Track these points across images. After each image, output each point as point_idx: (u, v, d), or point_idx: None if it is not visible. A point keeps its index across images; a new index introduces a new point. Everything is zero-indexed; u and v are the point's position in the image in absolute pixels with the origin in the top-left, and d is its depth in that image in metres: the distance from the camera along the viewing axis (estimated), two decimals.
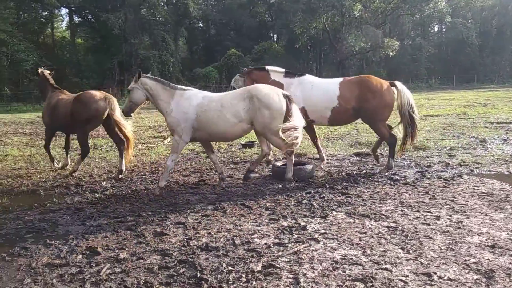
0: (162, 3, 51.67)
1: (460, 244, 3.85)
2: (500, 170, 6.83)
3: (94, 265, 3.67)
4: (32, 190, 6.65)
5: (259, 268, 3.47)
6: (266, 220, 4.74)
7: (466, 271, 3.33)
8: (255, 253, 3.81)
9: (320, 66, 59.96)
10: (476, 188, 5.80)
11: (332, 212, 4.92)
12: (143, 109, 8.19)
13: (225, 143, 10.80)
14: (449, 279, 3.20)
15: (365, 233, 4.23)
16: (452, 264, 3.46)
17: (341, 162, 7.92)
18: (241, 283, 3.24)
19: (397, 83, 6.85)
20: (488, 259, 3.51)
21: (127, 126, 7.37)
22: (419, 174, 6.73)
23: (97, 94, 7.37)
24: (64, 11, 53.01)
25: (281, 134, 5.89)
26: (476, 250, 3.72)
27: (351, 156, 8.42)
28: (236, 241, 4.09)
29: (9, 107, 35.01)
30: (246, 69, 7.73)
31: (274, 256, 3.72)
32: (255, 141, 10.49)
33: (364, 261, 3.56)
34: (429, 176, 6.53)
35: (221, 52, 54.15)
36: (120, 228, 4.65)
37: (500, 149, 8.55)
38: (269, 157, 7.51)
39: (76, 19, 52.72)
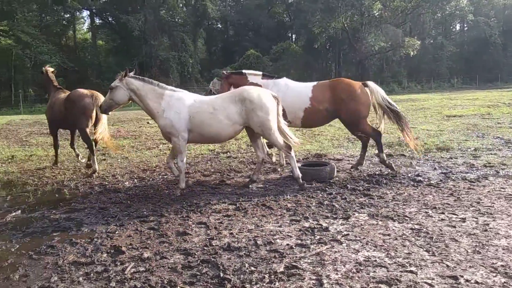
0: (181, 5, 52.12)
1: (487, 247, 3.77)
2: None
3: (118, 263, 3.73)
4: (57, 190, 6.80)
5: (281, 269, 3.46)
6: (288, 221, 4.73)
7: (494, 274, 3.26)
8: (277, 254, 3.80)
9: (339, 66, 59.50)
10: (503, 190, 5.67)
11: (354, 214, 4.88)
12: None
13: (245, 143, 10.83)
14: (476, 282, 3.14)
15: (388, 235, 4.18)
16: (479, 267, 3.39)
17: None
18: (264, 284, 3.24)
19: (369, 82, 7.09)
20: None
21: (103, 126, 7.89)
22: (443, 175, 6.61)
23: (85, 92, 7.93)
24: (86, 13, 54.00)
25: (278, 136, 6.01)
26: (503, 253, 3.64)
27: (372, 157, 8.33)
28: (258, 242, 4.10)
29: (33, 108, 35.81)
30: (225, 72, 7.87)
31: (296, 257, 3.71)
32: None
33: (389, 264, 3.52)
34: (453, 178, 6.41)
35: (240, 53, 54.29)
36: (143, 227, 4.71)
37: None
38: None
39: (97, 21, 53.60)
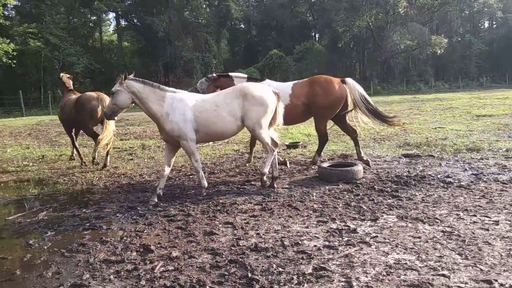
0: (204, 6, 52.48)
1: None
2: None
3: (148, 262, 3.78)
4: (87, 189, 6.95)
5: (310, 271, 3.44)
6: (314, 222, 4.70)
7: None
8: (305, 255, 3.78)
9: (364, 65, 58.87)
10: None
11: (382, 215, 4.81)
12: None
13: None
14: (511, 286, 3.05)
15: (419, 237, 4.09)
16: None
17: (389, 163, 7.72)
18: (293, 285, 3.22)
19: (348, 79, 7.27)
20: None
21: (111, 127, 8.35)
22: (474, 176, 6.44)
23: (92, 95, 8.62)
24: (112, 15, 55.13)
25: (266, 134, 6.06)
26: None
27: (400, 157, 8.19)
28: (285, 243, 4.08)
29: None
30: (214, 75, 8.14)
31: (324, 258, 3.68)
32: (299, 142, 10.46)
33: (420, 267, 3.45)
34: (485, 179, 6.23)
35: (263, 53, 54.32)
36: (171, 226, 4.76)
37: None
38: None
39: (123, 23, 54.66)
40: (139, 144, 11.78)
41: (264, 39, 60.22)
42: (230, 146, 10.54)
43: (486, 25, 67.54)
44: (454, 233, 4.14)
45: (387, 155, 8.46)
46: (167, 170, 6.08)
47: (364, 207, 5.14)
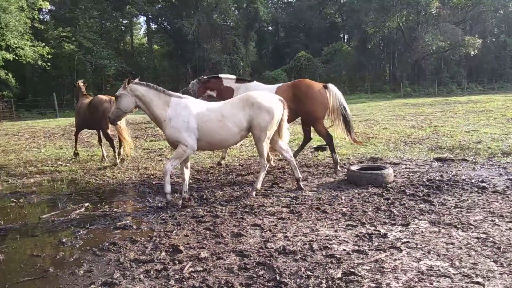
0: (233, 8, 52.79)
1: None
2: None
3: (177, 262, 3.82)
4: (117, 189, 7.09)
5: (339, 275, 3.39)
6: (343, 226, 4.63)
7: None
8: (334, 259, 3.73)
9: (394, 67, 57.80)
10: None
11: (414, 220, 4.69)
12: None
13: (296, 146, 10.76)
14: None
15: (452, 243, 3.97)
16: None
17: (421, 167, 7.52)
18: None
19: (330, 85, 7.46)
20: None
21: (123, 125, 9.17)
22: (510, 181, 6.20)
23: (104, 98, 9.38)
24: (142, 19, 56.21)
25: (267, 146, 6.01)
26: None
27: (431, 161, 7.98)
28: (313, 246, 4.04)
29: None
30: (205, 77, 8.33)
31: (354, 263, 3.62)
32: (327, 145, 10.33)
33: (453, 274, 3.35)
34: None
35: (290, 55, 54.14)
36: (199, 227, 4.80)
37: None
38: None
39: (153, 27, 55.65)
40: (168, 146, 11.93)
41: (292, 41, 60.00)
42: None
43: None
44: (489, 240, 4.00)
45: (418, 159, 8.26)
46: (186, 172, 6.05)
47: (394, 211, 5.03)
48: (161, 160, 9.62)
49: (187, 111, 5.62)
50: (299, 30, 62.64)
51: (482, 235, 4.14)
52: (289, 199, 5.86)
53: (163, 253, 4.06)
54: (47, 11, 43.08)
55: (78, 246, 4.44)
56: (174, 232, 4.69)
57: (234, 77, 8.22)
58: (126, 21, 51.76)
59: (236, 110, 5.74)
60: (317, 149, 9.97)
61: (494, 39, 58.06)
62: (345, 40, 64.67)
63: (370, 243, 4.07)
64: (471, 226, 4.40)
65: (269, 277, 3.43)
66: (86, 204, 6.12)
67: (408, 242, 4.05)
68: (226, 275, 3.52)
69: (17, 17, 28.56)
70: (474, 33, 53.03)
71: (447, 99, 30.98)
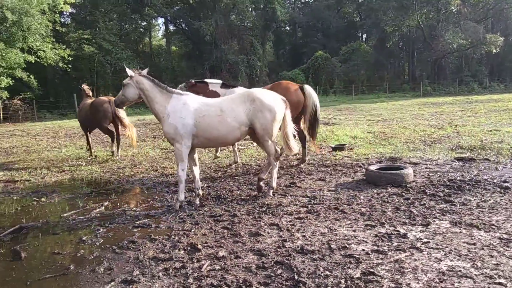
0: (250, 9, 52.88)
1: None
2: None
3: (195, 261, 3.83)
4: (136, 188, 7.17)
5: (358, 275, 3.35)
6: (362, 226, 4.58)
7: None
8: (353, 259, 3.69)
9: (413, 66, 56.97)
10: None
11: (434, 221, 4.61)
12: None
13: (313, 146, 10.70)
14: None
15: (474, 244, 3.89)
16: None
17: (441, 167, 7.39)
18: None
19: (306, 86, 7.72)
20: None
21: (125, 118, 10.28)
22: None
23: (104, 99, 10.34)
24: (161, 20, 56.84)
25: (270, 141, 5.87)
26: None
27: (452, 161, 7.83)
28: (332, 246, 4.01)
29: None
30: (192, 81, 8.63)
31: (373, 263, 3.58)
32: (345, 144, 10.27)
33: (475, 275, 3.28)
34: None
35: (308, 55, 53.97)
36: (217, 226, 4.81)
37: None
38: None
39: (171, 28, 56.16)
40: None
41: (309, 41, 59.75)
42: None
43: None
44: None
45: (438, 158, 8.12)
46: (196, 170, 6.03)
47: (414, 211, 4.95)
48: None
49: (185, 107, 5.60)
50: (317, 30, 62.38)
51: (505, 236, 4.04)
52: (307, 198, 5.83)
53: (182, 252, 4.08)
54: (68, 14, 43.87)
55: (98, 244, 4.50)
56: (192, 230, 4.71)
57: (219, 82, 8.54)
58: (144, 23, 52.37)
59: (235, 105, 5.66)
60: (335, 148, 9.89)
61: None
62: (363, 39, 64.09)
63: (389, 243, 4.02)
64: (494, 227, 4.30)
65: (287, 276, 3.42)
66: (106, 203, 6.21)
67: (428, 242, 3.98)
68: (244, 274, 3.51)
69: (39, 20, 29.19)
70: (496, 31, 51.83)
71: (468, 98, 30.40)
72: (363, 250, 3.89)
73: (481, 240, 3.99)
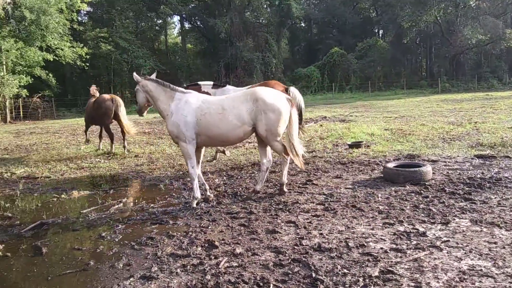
0: (265, 6, 52.73)
1: None
2: None
3: (213, 257, 3.85)
4: (154, 185, 7.24)
5: (376, 273, 3.33)
6: (380, 224, 4.54)
7: None
8: (371, 257, 3.66)
9: (431, 62, 56.11)
10: None
11: (454, 219, 4.54)
12: None
13: (330, 143, 10.65)
14: None
15: (495, 243, 3.82)
16: None
17: (461, 165, 7.27)
18: (359, 287, 3.13)
19: (292, 88, 7.68)
20: None
21: (125, 121, 10.90)
22: None
23: (107, 96, 10.89)
24: (176, 18, 57.01)
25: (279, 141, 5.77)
26: None
27: (472, 158, 7.70)
28: (349, 244, 3.98)
29: (130, 109, 38.27)
30: (185, 85, 8.88)
31: (392, 261, 3.55)
32: (362, 142, 10.19)
33: (496, 274, 3.22)
34: None
35: (323, 51, 53.56)
36: (234, 223, 4.83)
37: None
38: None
39: (187, 26, 56.36)
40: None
41: (324, 37, 59.33)
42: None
43: None
44: None
45: (458, 156, 8.00)
46: (198, 166, 6.04)
47: (434, 209, 4.88)
48: None
49: (187, 105, 5.62)
50: (332, 26, 61.85)
51: None
52: (324, 196, 5.81)
53: (199, 248, 4.11)
54: (85, 12, 44.51)
55: (117, 240, 4.56)
56: (209, 227, 4.74)
57: (210, 83, 8.80)
58: (160, 21, 52.69)
59: (238, 103, 5.60)
60: (352, 146, 9.82)
61: None
62: (380, 35, 63.30)
63: (408, 242, 3.98)
64: None
65: (304, 274, 3.41)
66: (124, 200, 6.29)
67: (448, 241, 3.93)
68: (261, 271, 3.52)
69: (57, 19, 29.66)
70: None
71: (488, 94, 29.83)
72: (381, 248, 3.86)
73: (502, 239, 3.92)
